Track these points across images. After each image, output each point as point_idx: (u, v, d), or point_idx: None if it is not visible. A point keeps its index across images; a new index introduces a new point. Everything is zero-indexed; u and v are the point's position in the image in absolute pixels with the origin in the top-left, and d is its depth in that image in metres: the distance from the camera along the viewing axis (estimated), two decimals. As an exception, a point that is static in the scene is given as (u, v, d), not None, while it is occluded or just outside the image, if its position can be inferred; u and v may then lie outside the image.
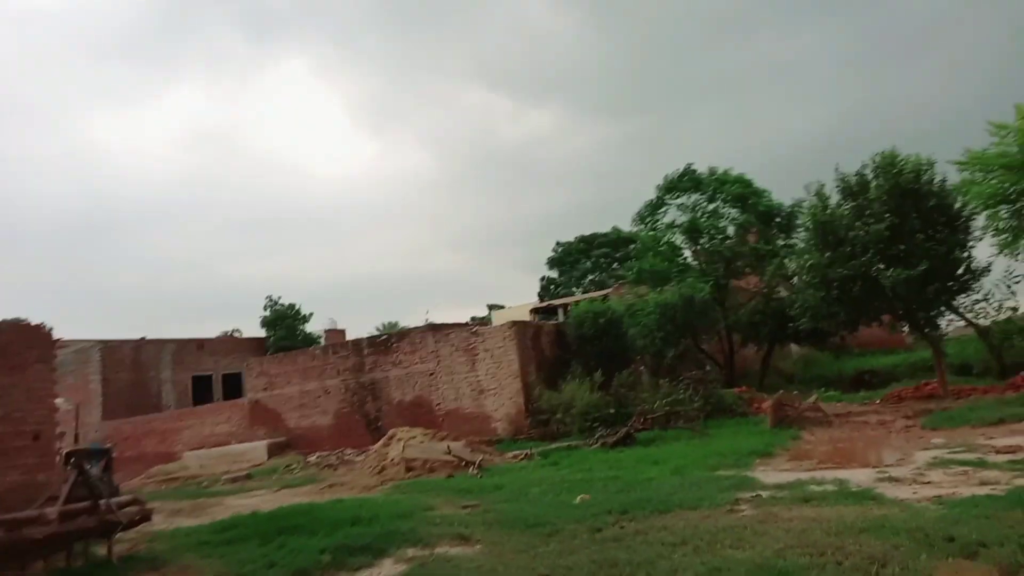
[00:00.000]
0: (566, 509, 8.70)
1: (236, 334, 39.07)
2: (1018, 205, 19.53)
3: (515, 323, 20.33)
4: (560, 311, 32.65)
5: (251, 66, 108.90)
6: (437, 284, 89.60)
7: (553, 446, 16.15)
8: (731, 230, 25.88)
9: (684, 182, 26.19)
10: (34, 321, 9.22)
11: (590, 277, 48.30)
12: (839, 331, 19.78)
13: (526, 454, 15.57)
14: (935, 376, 18.45)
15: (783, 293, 24.53)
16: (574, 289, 46.80)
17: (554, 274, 50.91)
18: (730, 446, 12.81)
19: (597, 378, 18.33)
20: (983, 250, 18.24)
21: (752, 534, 6.50)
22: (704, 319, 22.13)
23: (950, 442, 11.28)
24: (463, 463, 14.44)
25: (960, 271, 16.91)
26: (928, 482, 8.32)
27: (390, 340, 22.52)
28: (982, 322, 19.66)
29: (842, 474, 9.23)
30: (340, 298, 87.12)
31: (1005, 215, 19.94)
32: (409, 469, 14.63)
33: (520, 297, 72.44)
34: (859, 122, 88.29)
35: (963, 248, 16.98)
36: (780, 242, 25.01)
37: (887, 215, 16.23)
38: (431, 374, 20.98)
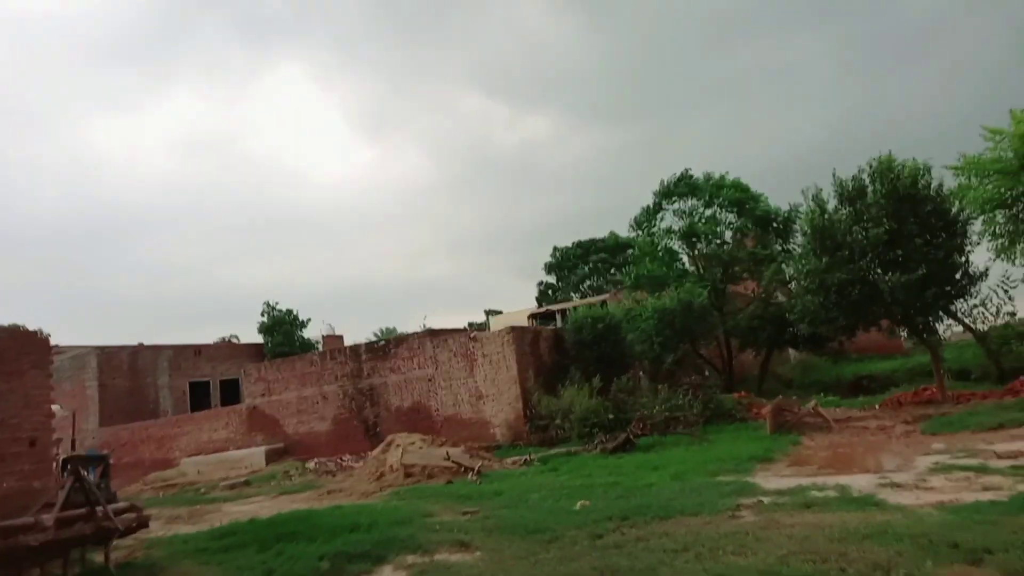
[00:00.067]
0: (566, 515, 8.65)
1: (234, 340, 38.92)
2: (1015, 210, 19.60)
3: (513, 328, 20.27)
4: (558, 316, 32.65)
5: (249, 72, 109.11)
6: (434, 290, 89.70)
7: (552, 452, 16.10)
8: (728, 235, 25.92)
9: (681, 187, 26.22)
10: (31, 327, 9.18)
11: (588, 282, 48.33)
12: (838, 336, 19.74)
13: (525, 460, 15.51)
14: (933, 381, 18.42)
15: (781, 298, 24.56)
16: (572, 294, 46.81)
17: (552, 279, 50.92)
18: (730, 451, 12.77)
19: (595, 383, 18.29)
20: (980, 255, 18.31)
21: (754, 540, 6.46)
22: (702, 324, 22.10)
23: (951, 447, 11.25)
24: (462, 469, 14.38)
25: (958, 276, 16.91)
26: (930, 488, 8.29)
27: (388, 346, 22.46)
28: (980, 327, 19.67)
29: (843, 480, 9.20)
30: (338, 304, 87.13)
31: (1001, 220, 20.01)
32: (408, 475, 14.55)
33: (518, 303, 72.43)
34: (856, 127, 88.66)
35: (961, 253, 16.99)
36: (777, 247, 25.04)
37: (885, 220, 16.23)
38: (429, 380, 20.92)
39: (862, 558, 5.58)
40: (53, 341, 9.34)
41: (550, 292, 49.99)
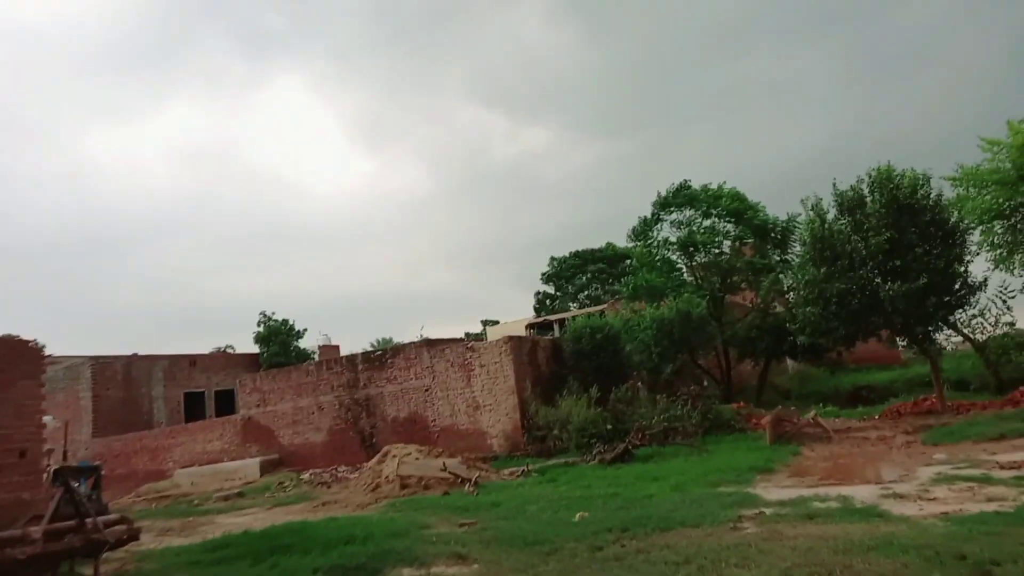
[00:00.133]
0: (565, 527, 8.52)
1: (229, 350, 38.73)
2: (1013, 220, 19.62)
3: (511, 338, 20.15)
4: (556, 326, 32.55)
5: (248, 83, 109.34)
6: (431, 300, 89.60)
7: (550, 462, 15.96)
8: (727, 245, 25.88)
9: (679, 198, 26.20)
10: (25, 336, 9.04)
11: (585, 292, 48.27)
12: (837, 346, 19.67)
13: (523, 471, 15.36)
14: (932, 392, 18.35)
15: (779, 309, 24.50)
16: (570, 304, 46.75)
17: (550, 289, 50.88)
18: (730, 462, 12.66)
19: (593, 394, 18.18)
20: (978, 265, 18.28)
21: (757, 552, 6.35)
22: (701, 334, 22.02)
23: (952, 458, 11.16)
24: (459, 480, 14.23)
25: (957, 286, 16.89)
26: (933, 498, 8.19)
27: (385, 356, 22.31)
28: (979, 337, 19.63)
29: (845, 490, 9.10)
30: (334, 314, 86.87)
31: (1000, 230, 20.02)
32: (404, 486, 14.40)
33: (514, 313, 72.34)
34: (854, 138, 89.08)
35: (960, 263, 16.97)
36: (776, 257, 25.01)
37: (884, 229, 16.21)
38: (426, 390, 20.77)
39: (868, 570, 5.47)
40: (47, 351, 9.21)
41: (548, 302, 49.93)
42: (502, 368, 19.41)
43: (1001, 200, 19.32)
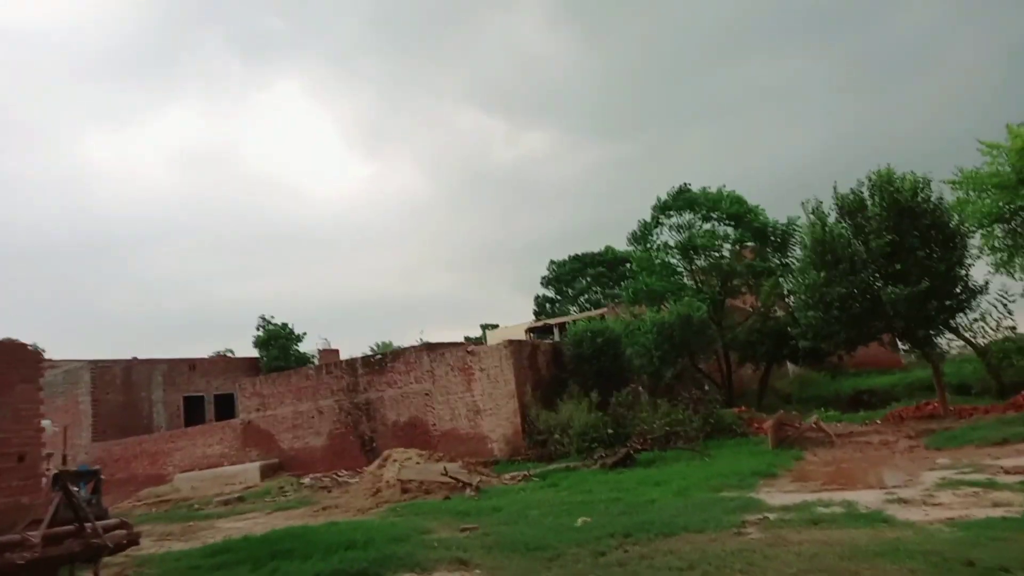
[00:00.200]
0: (567, 532, 8.47)
1: (229, 354, 38.68)
2: (1013, 224, 19.61)
3: (511, 342, 20.10)
4: (556, 330, 32.50)
5: (247, 87, 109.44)
6: (431, 304, 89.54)
7: (551, 467, 15.89)
8: (727, 249, 25.83)
9: (679, 202, 26.16)
10: (25, 340, 8.98)
11: (585, 296, 48.24)
12: (839, 351, 19.61)
13: (524, 475, 15.30)
14: (933, 396, 18.29)
15: (779, 313, 24.45)
16: (570, 308, 46.71)
17: (549, 293, 50.84)
18: (732, 467, 12.59)
19: (594, 398, 18.13)
20: (978, 269, 18.25)
21: (762, 559, 6.29)
22: (702, 338, 21.95)
23: (956, 462, 11.10)
24: (460, 485, 14.17)
25: (958, 290, 16.85)
26: (939, 503, 8.13)
27: (384, 360, 22.26)
28: (980, 341, 19.59)
29: (849, 495, 9.04)
30: (334, 318, 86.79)
31: (1000, 234, 20.01)
32: (405, 491, 14.34)
33: (514, 317, 72.31)
34: (852, 144, 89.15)
35: (961, 266, 16.93)
36: (776, 261, 24.96)
37: (885, 232, 16.18)
38: (426, 394, 20.71)
39: (874, 576, 5.43)
40: (46, 355, 9.17)
41: (547, 306, 49.88)
42: (502, 372, 19.35)
43: (1001, 204, 19.33)
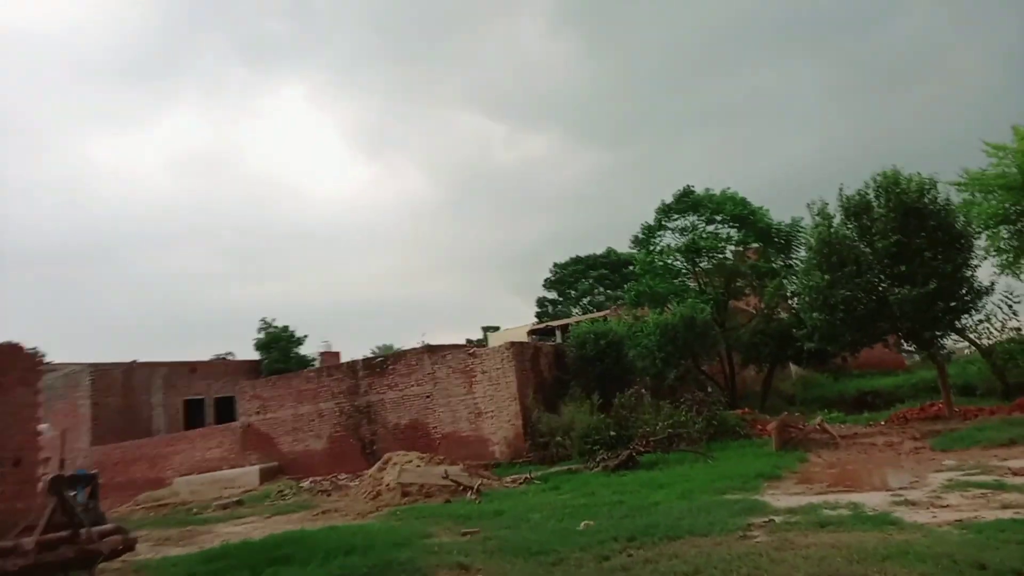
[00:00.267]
0: (570, 536, 8.34)
1: (229, 357, 38.55)
2: (1019, 225, 19.49)
3: (513, 344, 19.98)
4: (558, 332, 32.34)
5: (249, 92, 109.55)
6: (432, 307, 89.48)
7: (553, 470, 15.76)
8: (730, 251, 25.70)
9: (682, 204, 26.04)
10: (24, 344, 8.89)
11: (588, 298, 48.08)
12: (843, 352, 19.47)
13: (526, 478, 15.17)
14: (937, 397, 18.16)
15: (783, 314, 24.30)
16: (572, 309, 46.56)
17: (552, 295, 50.69)
18: (736, 469, 12.46)
19: (596, 400, 18.00)
20: (984, 270, 18.15)
21: (769, 562, 6.17)
22: (705, 340, 21.81)
23: (962, 464, 10.97)
24: (461, 488, 14.05)
25: (963, 291, 16.72)
26: (947, 505, 8.00)
27: (385, 362, 22.14)
28: (985, 342, 19.46)
29: (856, 497, 8.91)
30: (335, 321, 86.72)
31: (1006, 235, 19.89)
32: (405, 494, 14.21)
33: (515, 320, 72.17)
34: (848, 150, 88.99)
35: (967, 267, 16.81)
36: (779, 262, 24.82)
37: (891, 233, 16.05)
38: (427, 397, 20.59)
39: (884, 581, 5.30)
40: (47, 358, 9.08)
41: (549, 307, 49.73)
42: (504, 374, 19.23)
43: (1007, 205, 19.22)
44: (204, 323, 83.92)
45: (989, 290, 16.97)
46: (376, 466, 16.53)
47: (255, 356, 35.55)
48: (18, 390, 8.62)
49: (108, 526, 7.75)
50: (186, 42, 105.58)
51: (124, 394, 28.96)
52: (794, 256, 24.37)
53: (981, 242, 18.37)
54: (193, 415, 30.66)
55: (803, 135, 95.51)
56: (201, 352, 63.60)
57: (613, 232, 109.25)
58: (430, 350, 21.70)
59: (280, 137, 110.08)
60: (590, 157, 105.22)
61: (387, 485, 14.78)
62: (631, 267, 32.68)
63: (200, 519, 16.27)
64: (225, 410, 30.40)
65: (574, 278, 49.07)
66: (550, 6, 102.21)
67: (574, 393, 18.80)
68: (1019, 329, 19.65)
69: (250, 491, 20.18)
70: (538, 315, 48.95)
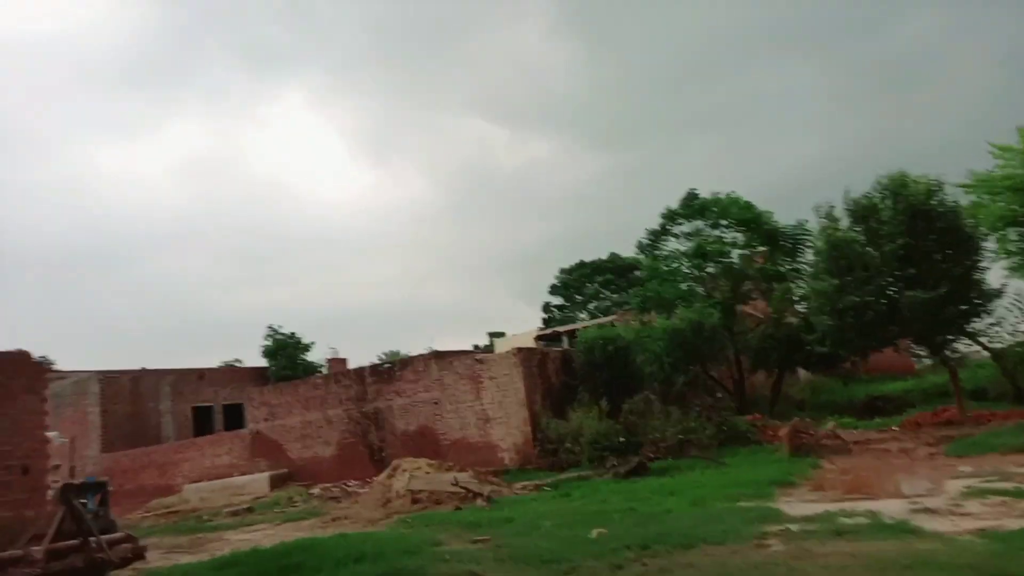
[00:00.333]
0: (582, 544, 8.25)
1: (237, 364, 38.57)
2: (1027, 227, 19.28)
3: (521, 350, 19.93)
4: (564, 338, 32.23)
5: (252, 97, 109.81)
6: (437, 313, 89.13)
7: (563, 476, 15.67)
8: (736, 255, 25.56)
9: (687, 209, 25.92)
10: (33, 352, 8.88)
11: (594, 303, 47.97)
12: (853, 356, 19.31)
13: (535, 485, 15.09)
14: (949, 401, 17.99)
15: (791, 319, 24.14)
16: (579, 314, 46.44)
17: (558, 300, 50.59)
18: (748, 475, 12.35)
19: (605, 406, 17.90)
20: (994, 273, 17.96)
21: (787, 572, 6.08)
22: (713, 345, 21.66)
23: (979, 470, 10.82)
24: (470, 495, 13.96)
25: (974, 294, 16.57)
26: (967, 513, 7.87)
27: (393, 369, 22.10)
28: (996, 346, 19.26)
29: (873, 505, 8.78)
30: (342, 327, 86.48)
31: (1014, 237, 19.69)
32: (415, 501, 14.15)
33: (521, 325, 72.11)
34: (850, 153, 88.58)
35: (977, 270, 16.66)
36: (787, 266, 24.66)
37: (899, 236, 15.92)
38: (435, 403, 20.52)
39: (907, 591, 5.20)
40: (55, 366, 9.08)
41: (556, 313, 49.63)
42: (512, 380, 19.15)
43: (1015, 206, 19.02)
44: (210, 329, 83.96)
45: (999, 293, 16.81)
46: (385, 473, 16.47)
47: (262, 362, 35.56)
48: (25, 398, 8.60)
49: (118, 534, 7.71)
50: (189, 48, 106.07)
51: (132, 401, 29.01)
52: (801, 259, 24.21)
53: (990, 244, 18.20)
54: (202, 422, 30.69)
55: (805, 138, 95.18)
56: (208, 358, 63.72)
57: (616, 236, 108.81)
58: (437, 356, 21.67)
59: (283, 142, 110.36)
60: (592, 161, 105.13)
61: (397, 492, 14.72)
62: (636, 272, 32.58)
63: (210, 526, 16.24)
64: (233, 417, 30.42)
65: (580, 283, 48.96)
66: (551, 10, 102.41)
67: (582, 399, 18.72)
68: (1030, 332, 19.44)
69: (260, 498, 20.15)
70: (545, 320, 48.84)
